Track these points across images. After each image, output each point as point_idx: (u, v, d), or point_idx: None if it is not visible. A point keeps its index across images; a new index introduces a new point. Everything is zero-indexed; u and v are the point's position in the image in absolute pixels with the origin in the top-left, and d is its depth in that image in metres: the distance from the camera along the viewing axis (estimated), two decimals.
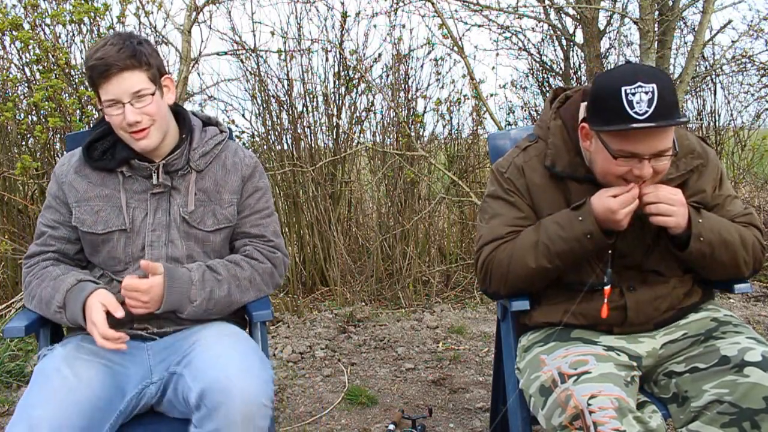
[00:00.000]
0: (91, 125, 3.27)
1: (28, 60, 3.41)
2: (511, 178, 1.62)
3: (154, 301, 1.51)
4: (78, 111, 3.28)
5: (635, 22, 3.69)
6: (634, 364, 1.50)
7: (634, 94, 1.35)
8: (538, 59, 5.46)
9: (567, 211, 1.51)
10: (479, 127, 4.39)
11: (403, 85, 4.26)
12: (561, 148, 1.57)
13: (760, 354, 1.36)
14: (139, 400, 1.51)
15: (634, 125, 1.35)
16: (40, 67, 3.33)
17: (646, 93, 1.34)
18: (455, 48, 3.84)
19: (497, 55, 7.36)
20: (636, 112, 1.35)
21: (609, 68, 1.51)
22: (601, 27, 4.55)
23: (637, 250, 1.54)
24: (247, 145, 4.29)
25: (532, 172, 1.60)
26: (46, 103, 3.13)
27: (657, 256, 1.54)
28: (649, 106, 1.34)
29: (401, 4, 4.06)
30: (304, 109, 4.16)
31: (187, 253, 1.61)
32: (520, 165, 1.62)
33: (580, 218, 1.47)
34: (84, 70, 1.53)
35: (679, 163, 1.52)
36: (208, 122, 1.72)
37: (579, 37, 4.71)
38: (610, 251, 1.50)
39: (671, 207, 1.44)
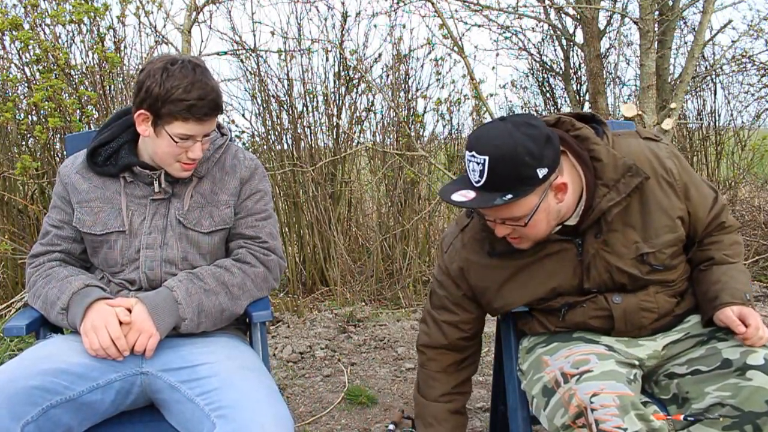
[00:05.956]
0: (91, 126, 3.31)
1: (28, 60, 3.41)
2: (448, 267, 1.64)
3: (148, 326, 1.47)
4: (78, 111, 3.28)
5: (635, 22, 3.69)
6: (636, 362, 1.50)
7: (469, 162, 1.36)
8: (538, 59, 5.48)
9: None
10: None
11: (403, 85, 4.27)
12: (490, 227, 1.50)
13: (762, 357, 1.35)
14: (125, 384, 1.47)
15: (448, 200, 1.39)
16: (40, 67, 3.33)
17: (474, 169, 1.35)
18: (455, 48, 3.84)
19: (497, 55, 7.40)
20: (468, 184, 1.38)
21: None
22: (601, 27, 4.56)
23: (604, 285, 1.52)
24: (247, 145, 4.29)
25: (473, 254, 1.59)
26: (46, 103, 3.12)
27: (624, 280, 1.51)
28: (477, 180, 1.36)
29: (401, 4, 4.06)
30: (304, 109, 4.17)
31: (182, 255, 1.60)
32: (459, 249, 1.62)
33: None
34: (160, 96, 1.44)
35: (618, 186, 1.45)
36: None
37: (579, 37, 4.72)
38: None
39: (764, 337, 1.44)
